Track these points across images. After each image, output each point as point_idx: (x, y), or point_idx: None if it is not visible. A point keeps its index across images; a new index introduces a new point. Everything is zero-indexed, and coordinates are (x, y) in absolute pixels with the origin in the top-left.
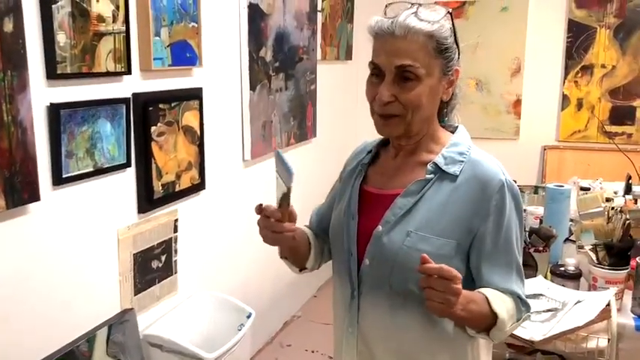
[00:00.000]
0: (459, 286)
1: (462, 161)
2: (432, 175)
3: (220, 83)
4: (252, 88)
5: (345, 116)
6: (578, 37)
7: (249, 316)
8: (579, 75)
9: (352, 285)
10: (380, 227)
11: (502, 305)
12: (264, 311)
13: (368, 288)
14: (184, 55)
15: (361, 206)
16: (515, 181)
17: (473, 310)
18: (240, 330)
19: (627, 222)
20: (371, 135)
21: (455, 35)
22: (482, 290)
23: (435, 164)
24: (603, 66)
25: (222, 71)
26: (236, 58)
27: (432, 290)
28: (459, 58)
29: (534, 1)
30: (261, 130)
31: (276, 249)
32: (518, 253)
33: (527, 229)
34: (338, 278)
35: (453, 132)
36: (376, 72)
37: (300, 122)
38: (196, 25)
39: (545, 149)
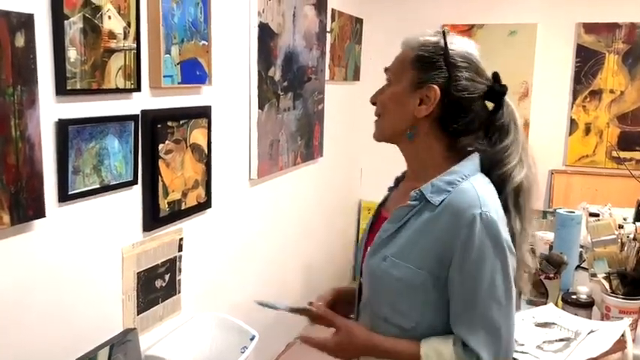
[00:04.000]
0: (331, 342)
1: (448, 191)
2: (415, 202)
3: (229, 102)
4: (261, 107)
5: (351, 136)
6: (587, 62)
7: (252, 339)
8: (587, 100)
9: (355, 302)
10: (369, 249)
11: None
12: (267, 333)
13: (362, 307)
14: (194, 73)
15: (376, 229)
16: None
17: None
18: (243, 352)
19: None
20: (375, 156)
21: (446, 55)
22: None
23: (420, 191)
24: (612, 91)
25: (231, 90)
26: (245, 77)
27: None
28: (449, 80)
29: (543, 25)
30: (269, 149)
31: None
32: (497, 304)
33: (537, 255)
34: None
35: None
36: None
37: (307, 142)
38: (207, 44)
39: (552, 173)
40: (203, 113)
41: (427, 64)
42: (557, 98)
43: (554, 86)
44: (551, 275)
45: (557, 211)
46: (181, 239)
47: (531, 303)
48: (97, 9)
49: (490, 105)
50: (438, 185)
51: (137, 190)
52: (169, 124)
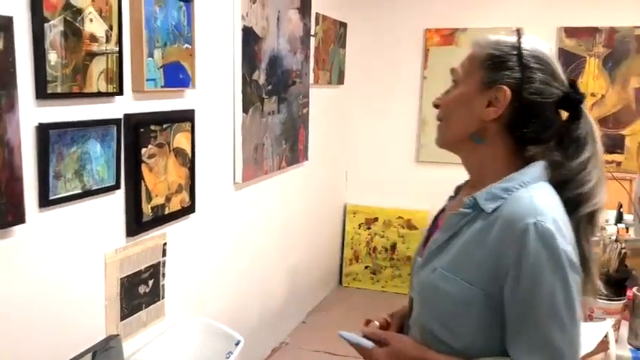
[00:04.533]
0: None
1: (503, 198)
2: (468, 210)
3: (213, 105)
4: (245, 110)
5: (336, 140)
6: (568, 66)
7: (237, 344)
8: None
9: (407, 318)
10: (419, 259)
11: None
12: (252, 337)
13: (412, 322)
14: (177, 76)
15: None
16: None
17: None
18: (228, 358)
19: (623, 251)
20: (360, 159)
21: (520, 54)
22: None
23: (474, 198)
24: (593, 94)
25: (215, 93)
26: (229, 81)
27: None
28: (521, 81)
29: (525, 29)
30: (253, 152)
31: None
32: (558, 325)
33: None
34: None
35: None
36: None
37: (292, 145)
38: (190, 47)
39: None
40: (187, 117)
41: (498, 63)
42: None
43: None
44: None
45: None
46: (165, 244)
47: None
48: (78, 12)
49: (564, 115)
50: (494, 192)
51: (120, 194)
52: (152, 128)
